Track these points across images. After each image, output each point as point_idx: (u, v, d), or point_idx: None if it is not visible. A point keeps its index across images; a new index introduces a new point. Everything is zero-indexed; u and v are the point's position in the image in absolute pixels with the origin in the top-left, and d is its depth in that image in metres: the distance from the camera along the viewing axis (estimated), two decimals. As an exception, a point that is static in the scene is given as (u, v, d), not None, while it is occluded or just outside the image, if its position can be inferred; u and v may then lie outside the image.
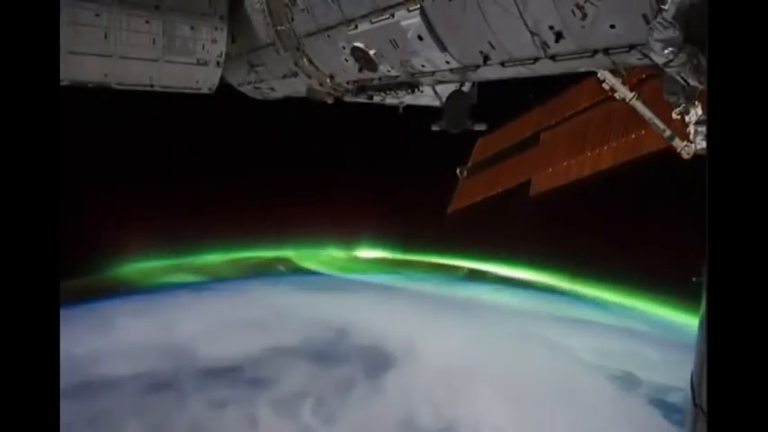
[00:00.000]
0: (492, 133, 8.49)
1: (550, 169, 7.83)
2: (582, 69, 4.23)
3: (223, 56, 7.84)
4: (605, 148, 6.89)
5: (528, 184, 8.41)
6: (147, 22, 7.08)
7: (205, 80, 8.02)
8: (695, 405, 2.70)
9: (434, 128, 6.54)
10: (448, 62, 4.71)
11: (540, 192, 8.15)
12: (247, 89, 9.12)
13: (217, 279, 42.70)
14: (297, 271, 45.59)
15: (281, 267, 46.25)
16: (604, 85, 5.64)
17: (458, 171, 8.41)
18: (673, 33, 2.66)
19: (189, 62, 7.66)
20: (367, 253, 47.22)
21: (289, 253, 46.79)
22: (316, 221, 42.21)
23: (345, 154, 38.10)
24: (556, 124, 7.93)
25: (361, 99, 6.99)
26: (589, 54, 3.54)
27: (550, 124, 8.02)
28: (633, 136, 6.36)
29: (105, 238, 35.74)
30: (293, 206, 39.70)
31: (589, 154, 7.15)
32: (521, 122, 8.51)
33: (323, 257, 47.19)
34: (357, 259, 47.49)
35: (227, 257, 44.92)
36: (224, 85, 8.70)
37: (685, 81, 2.93)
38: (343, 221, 42.92)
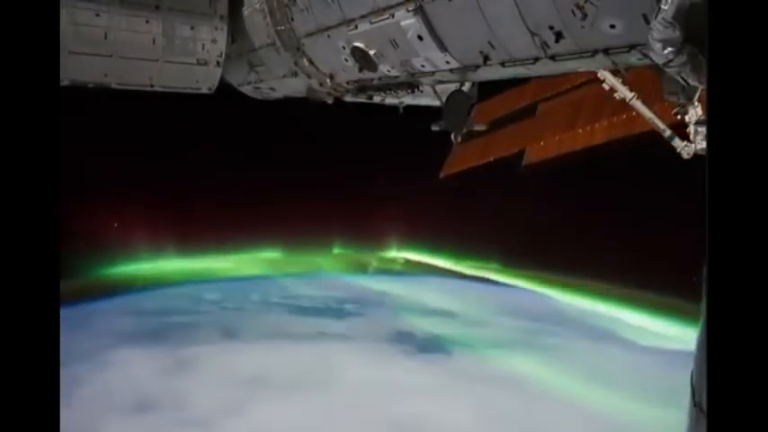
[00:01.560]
0: (490, 100, 8.42)
1: (542, 142, 7.84)
2: (582, 69, 4.23)
3: (223, 56, 7.84)
4: (596, 125, 6.91)
5: (519, 155, 8.39)
6: (147, 22, 7.09)
7: (205, 80, 8.03)
8: (695, 405, 2.70)
9: (434, 128, 6.53)
10: (448, 62, 4.71)
11: (532, 162, 8.16)
12: (247, 89, 9.12)
13: (233, 278, 38.76)
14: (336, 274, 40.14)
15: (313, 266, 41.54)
16: (604, 85, 5.64)
17: (452, 136, 8.26)
18: (673, 33, 2.66)
19: (189, 62, 7.67)
20: (403, 255, 43.23)
21: (322, 256, 42.38)
22: (332, 222, 39.99)
23: (362, 154, 36.08)
24: (554, 96, 7.91)
25: (361, 99, 6.99)
26: (589, 54, 3.54)
27: (549, 96, 8.00)
28: (625, 116, 6.38)
29: (106, 239, 35.23)
30: (312, 206, 38.04)
31: (580, 131, 7.18)
32: (519, 92, 8.47)
33: (354, 258, 43.06)
34: (398, 262, 42.87)
35: (239, 258, 41.32)
36: (224, 85, 8.71)
37: (685, 81, 2.94)
38: (364, 222, 40.70)
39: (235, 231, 39.51)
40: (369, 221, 41.10)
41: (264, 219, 38.48)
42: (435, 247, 41.85)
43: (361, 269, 42.95)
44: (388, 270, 42.72)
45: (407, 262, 43.55)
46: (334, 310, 33.34)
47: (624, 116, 6.32)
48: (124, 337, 26.51)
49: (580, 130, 7.16)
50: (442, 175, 9.56)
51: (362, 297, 35.98)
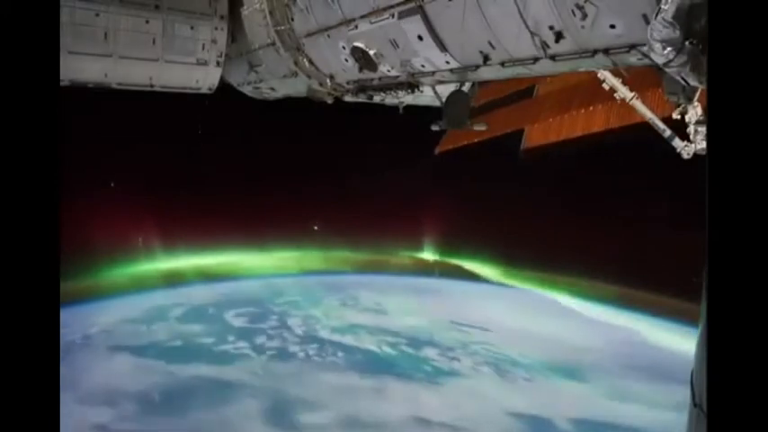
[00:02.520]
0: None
1: (536, 124, 7.81)
2: (582, 69, 4.23)
3: (223, 56, 7.84)
4: (591, 108, 6.89)
5: (512, 135, 8.32)
6: (146, 22, 7.09)
7: (205, 80, 8.02)
8: (695, 405, 2.70)
9: (434, 128, 6.53)
10: (448, 62, 4.71)
11: (532, 145, 8.12)
12: (247, 89, 9.12)
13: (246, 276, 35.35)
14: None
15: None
16: (604, 85, 5.64)
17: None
18: (673, 33, 2.66)
19: (189, 62, 7.66)
20: (435, 258, 39.25)
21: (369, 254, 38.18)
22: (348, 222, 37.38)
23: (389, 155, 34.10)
24: (554, 78, 7.85)
25: (361, 99, 6.99)
26: (589, 54, 3.54)
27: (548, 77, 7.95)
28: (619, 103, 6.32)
29: (110, 239, 34.25)
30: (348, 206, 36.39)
31: (575, 112, 7.15)
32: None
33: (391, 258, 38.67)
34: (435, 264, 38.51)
35: (258, 256, 37.83)
36: (224, 85, 8.71)
37: (685, 81, 2.93)
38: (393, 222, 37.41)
39: (252, 229, 37.49)
40: (397, 221, 38.47)
41: (283, 217, 37.26)
42: (475, 251, 38.02)
43: (387, 268, 39.67)
44: (425, 273, 38.05)
45: (440, 264, 40.09)
46: (414, 362, 24.10)
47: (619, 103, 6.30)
48: (125, 411, 18.68)
49: (575, 112, 7.15)
50: (437, 151, 9.50)
51: (437, 332, 27.44)
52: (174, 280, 34.51)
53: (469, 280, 36.89)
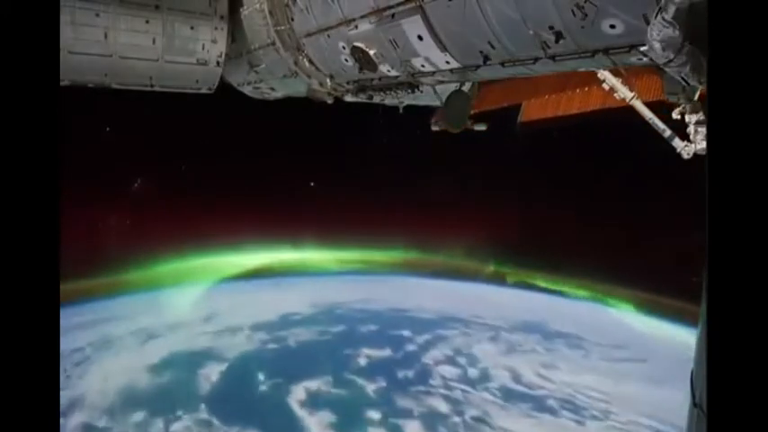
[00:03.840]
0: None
1: (534, 99, 7.85)
2: (582, 69, 4.23)
3: (223, 56, 7.85)
4: (587, 89, 6.93)
5: (505, 114, 8.34)
6: (147, 22, 7.09)
7: (205, 80, 8.03)
8: (695, 405, 2.70)
9: (434, 128, 6.54)
10: (448, 62, 4.71)
11: (529, 120, 8.16)
12: (247, 89, 9.12)
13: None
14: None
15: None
16: (604, 85, 5.64)
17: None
18: (672, 33, 2.66)
19: (189, 62, 7.67)
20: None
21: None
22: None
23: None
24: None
25: (361, 99, 6.99)
26: (589, 54, 3.54)
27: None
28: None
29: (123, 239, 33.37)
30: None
31: (571, 91, 7.19)
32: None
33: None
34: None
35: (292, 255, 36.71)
36: (224, 85, 8.71)
37: (685, 81, 2.93)
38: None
39: (282, 227, 36.74)
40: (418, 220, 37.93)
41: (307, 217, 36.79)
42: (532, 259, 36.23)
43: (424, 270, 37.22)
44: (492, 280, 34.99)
45: (495, 272, 37.75)
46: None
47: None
48: None
49: (576, 91, 7.18)
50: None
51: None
52: (195, 282, 33.15)
53: (540, 291, 33.82)
